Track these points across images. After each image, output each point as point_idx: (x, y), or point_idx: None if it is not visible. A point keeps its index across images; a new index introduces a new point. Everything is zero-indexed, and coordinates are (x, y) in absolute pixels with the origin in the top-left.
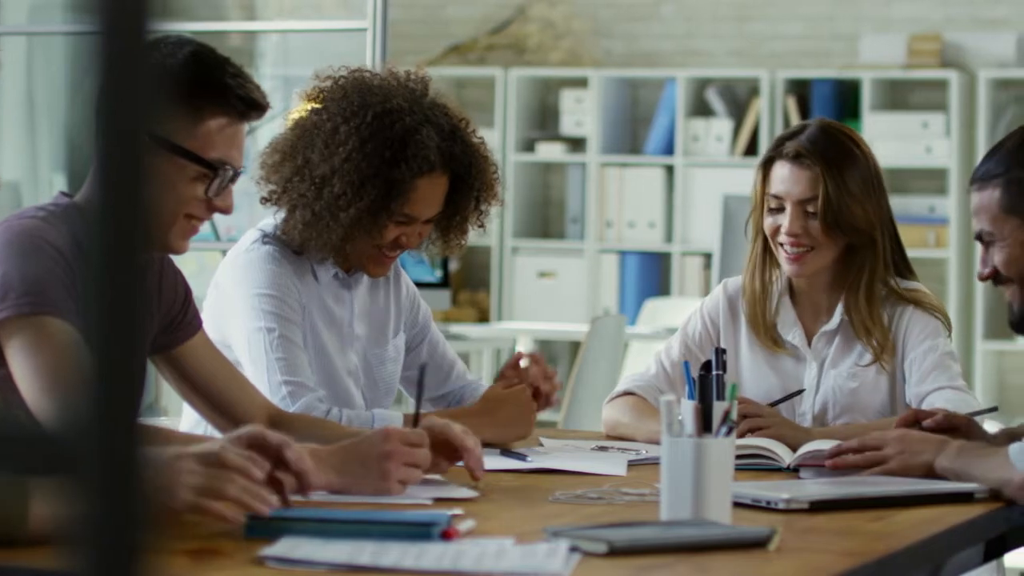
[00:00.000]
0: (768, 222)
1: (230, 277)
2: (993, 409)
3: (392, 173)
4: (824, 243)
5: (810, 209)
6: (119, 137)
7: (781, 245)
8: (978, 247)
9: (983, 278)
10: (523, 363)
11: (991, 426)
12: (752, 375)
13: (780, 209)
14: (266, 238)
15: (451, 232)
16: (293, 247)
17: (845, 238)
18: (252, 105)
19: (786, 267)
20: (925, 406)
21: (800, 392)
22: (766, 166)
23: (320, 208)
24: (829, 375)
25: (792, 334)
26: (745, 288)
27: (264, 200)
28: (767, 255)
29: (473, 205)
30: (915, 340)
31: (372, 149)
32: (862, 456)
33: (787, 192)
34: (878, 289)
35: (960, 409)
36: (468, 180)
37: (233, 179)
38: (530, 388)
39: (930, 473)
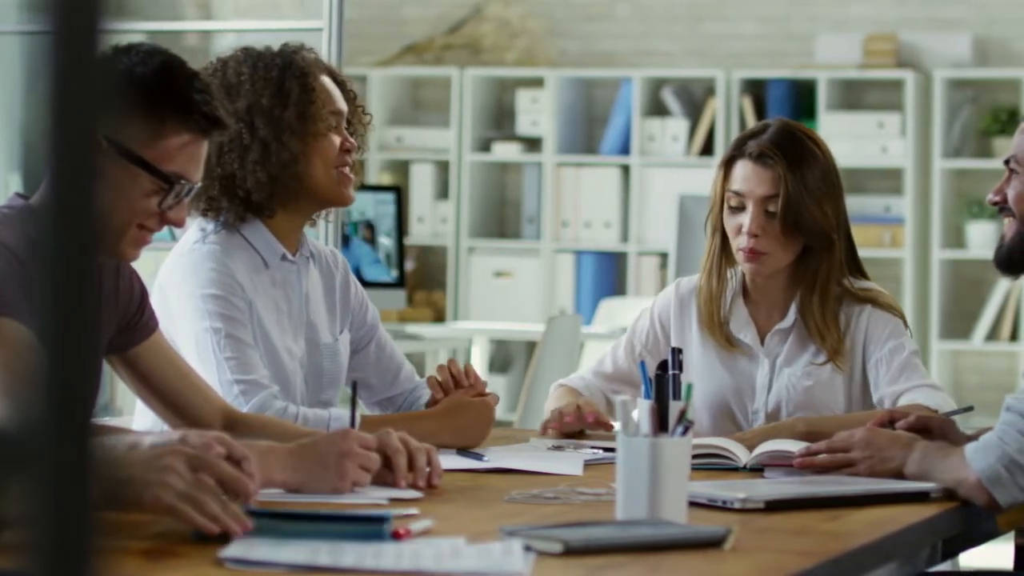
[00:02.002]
0: (728, 221)
1: (174, 279)
2: (969, 408)
3: (298, 86)
4: (782, 243)
5: (770, 208)
6: (69, 137)
7: (740, 244)
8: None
9: (992, 202)
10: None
11: (981, 421)
12: (705, 374)
13: (741, 208)
14: (207, 237)
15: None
16: (258, 212)
17: (803, 239)
18: (215, 123)
19: (744, 266)
20: (902, 403)
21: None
22: (727, 165)
23: (263, 135)
24: (783, 373)
25: (744, 333)
26: (701, 286)
27: (217, 183)
28: (724, 254)
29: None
30: (878, 340)
31: (264, 73)
32: (829, 458)
33: (749, 191)
34: (832, 289)
35: (940, 407)
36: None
37: (188, 194)
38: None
39: (899, 478)
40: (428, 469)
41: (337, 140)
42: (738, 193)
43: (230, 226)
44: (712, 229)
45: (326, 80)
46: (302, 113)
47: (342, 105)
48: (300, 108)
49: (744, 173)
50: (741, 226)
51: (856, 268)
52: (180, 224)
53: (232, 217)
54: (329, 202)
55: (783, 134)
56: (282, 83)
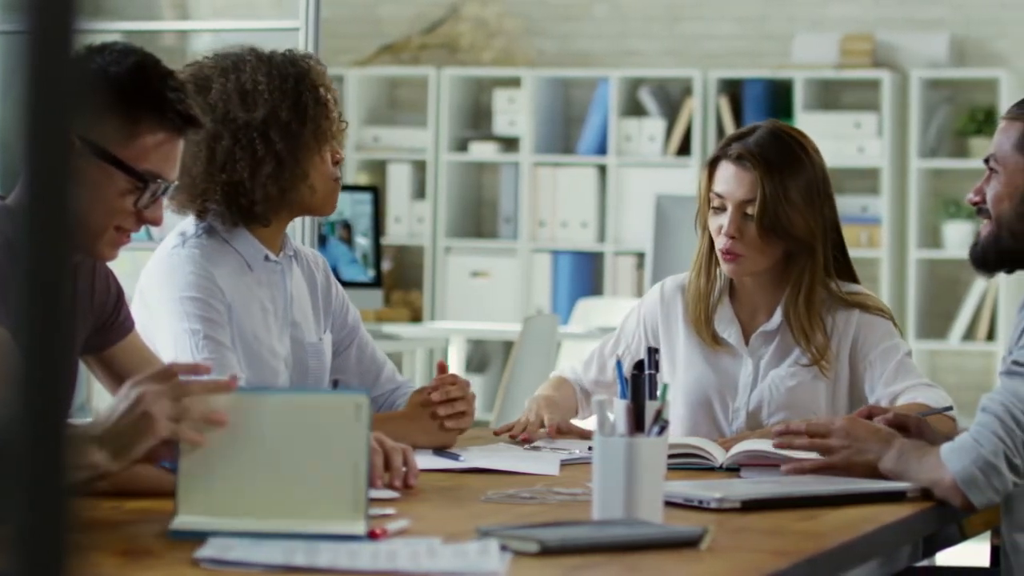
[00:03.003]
0: (712, 221)
1: (154, 282)
2: (948, 408)
3: (313, 100)
4: (759, 247)
5: (749, 211)
6: (45, 137)
7: (719, 245)
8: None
9: (972, 202)
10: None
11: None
12: (690, 372)
13: (722, 209)
14: (187, 241)
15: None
16: (255, 220)
17: (782, 243)
18: (190, 121)
19: (723, 266)
20: (900, 403)
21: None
22: (712, 165)
23: (279, 149)
24: (768, 374)
25: (728, 332)
26: (690, 285)
27: (218, 187)
28: (712, 253)
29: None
30: (871, 343)
31: (280, 83)
32: (809, 441)
33: (728, 193)
34: (818, 294)
35: (938, 404)
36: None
37: (164, 192)
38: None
39: (873, 473)
40: (404, 469)
41: (332, 153)
42: (719, 195)
43: (213, 231)
44: (700, 229)
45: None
46: (317, 129)
47: (335, 112)
48: (316, 124)
49: (725, 175)
50: (722, 227)
51: (848, 272)
52: (157, 223)
53: (223, 222)
54: (319, 212)
55: (769, 137)
56: (299, 96)
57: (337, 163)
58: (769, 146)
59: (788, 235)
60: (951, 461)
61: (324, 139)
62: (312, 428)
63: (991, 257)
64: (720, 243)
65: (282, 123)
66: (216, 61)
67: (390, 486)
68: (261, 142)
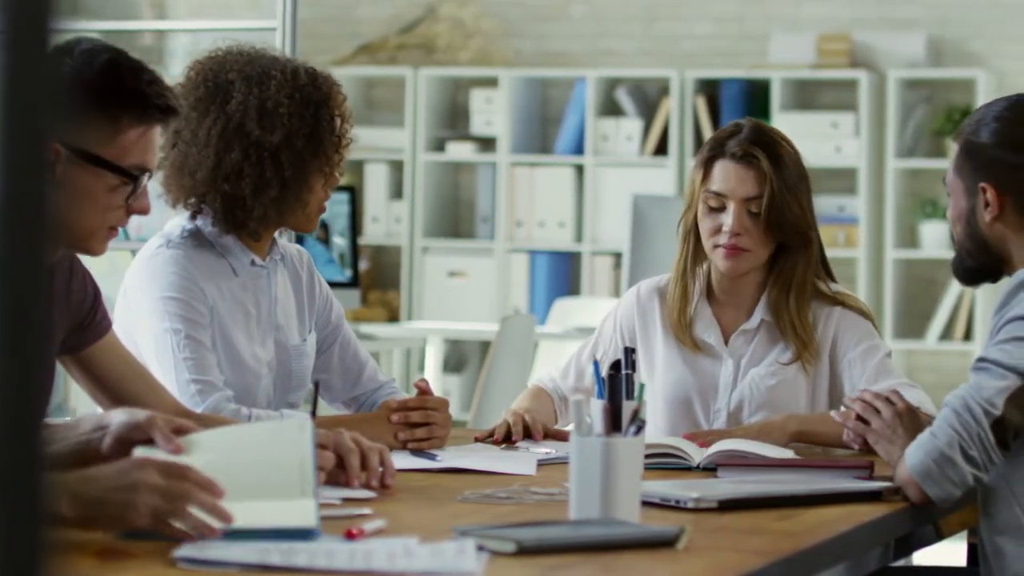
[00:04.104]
0: (704, 221)
1: (136, 282)
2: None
3: (329, 130)
4: (763, 241)
5: (752, 208)
6: (21, 138)
7: (718, 244)
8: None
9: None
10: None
11: None
12: (670, 375)
13: (720, 208)
14: (171, 243)
15: None
16: (245, 231)
17: (782, 237)
18: (168, 111)
19: (722, 265)
20: None
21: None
22: (706, 165)
23: (287, 176)
24: (748, 373)
25: (708, 333)
26: (672, 289)
27: (218, 196)
28: (697, 256)
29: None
30: (849, 342)
31: (300, 109)
32: (862, 406)
33: (731, 190)
34: (808, 288)
35: (920, 404)
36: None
37: (148, 180)
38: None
39: (885, 461)
40: (381, 469)
41: (333, 180)
42: (719, 193)
43: (199, 234)
44: (685, 232)
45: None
46: (327, 160)
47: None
48: (327, 156)
49: (726, 173)
50: (721, 225)
51: (827, 271)
52: (146, 212)
53: (213, 225)
54: (302, 230)
55: (762, 134)
56: (317, 124)
57: (332, 184)
58: (764, 141)
59: (791, 228)
60: (909, 456)
61: (330, 170)
62: (259, 443)
63: (962, 276)
64: (720, 239)
65: (296, 151)
66: (242, 66)
67: (367, 486)
68: (271, 164)
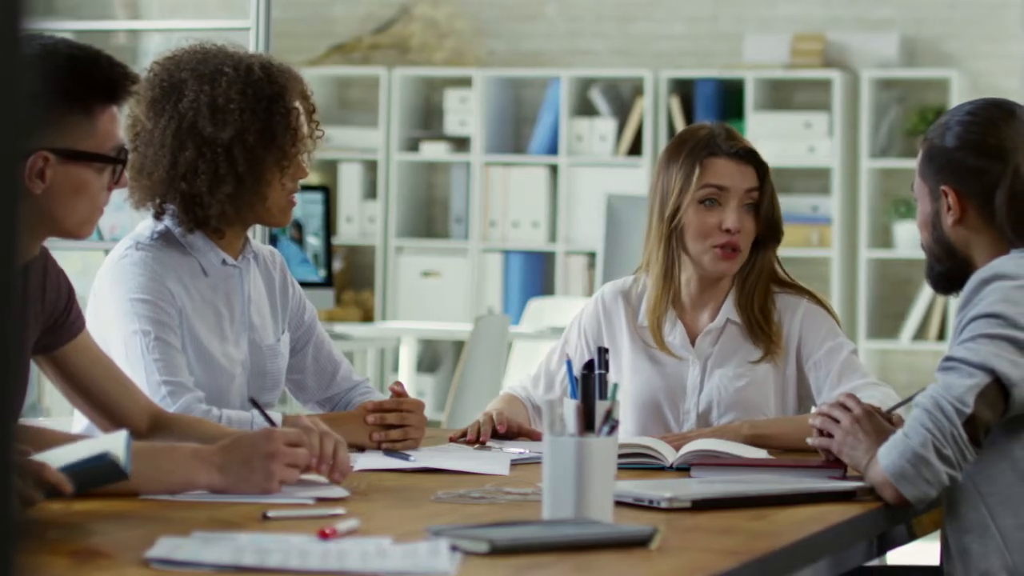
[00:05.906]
0: (699, 220)
1: (106, 285)
2: (910, 399)
3: (283, 124)
4: (750, 241)
5: (747, 201)
6: None
7: (715, 244)
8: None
9: None
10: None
11: None
12: (637, 378)
13: (717, 203)
14: (140, 245)
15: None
16: (209, 228)
17: (767, 233)
18: (132, 84)
19: (717, 265)
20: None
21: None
22: (700, 163)
23: (241, 171)
24: (715, 374)
25: (674, 335)
26: (651, 291)
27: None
28: (678, 257)
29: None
30: (814, 341)
31: (253, 103)
32: (823, 421)
33: (733, 184)
34: (772, 287)
35: (885, 402)
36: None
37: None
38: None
39: (853, 468)
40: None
41: (294, 171)
42: (721, 187)
43: (169, 235)
44: (666, 235)
45: (300, 107)
46: (282, 155)
47: (306, 131)
48: (281, 150)
49: (726, 169)
50: (718, 223)
51: (782, 268)
52: (125, 184)
53: (179, 224)
54: (274, 225)
55: (737, 133)
56: (269, 119)
57: (299, 178)
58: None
59: (776, 223)
60: (883, 457)
61: (288, 164)
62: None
63: (934, 282)
64: (719, 240)
65: (248, 146)
66: (195, 64)
67: (316, 469)
68: (224, 160)
